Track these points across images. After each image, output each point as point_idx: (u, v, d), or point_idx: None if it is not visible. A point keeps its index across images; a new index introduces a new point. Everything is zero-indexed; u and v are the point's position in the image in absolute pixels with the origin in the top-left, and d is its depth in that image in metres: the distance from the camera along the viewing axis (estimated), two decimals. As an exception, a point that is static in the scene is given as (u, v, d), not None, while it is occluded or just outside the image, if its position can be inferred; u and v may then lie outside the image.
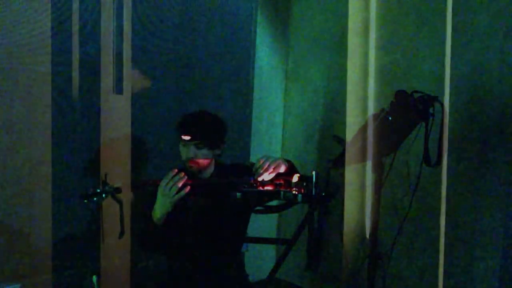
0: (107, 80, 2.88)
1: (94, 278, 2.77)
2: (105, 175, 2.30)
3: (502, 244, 2.68)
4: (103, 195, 2.24)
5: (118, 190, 2.29)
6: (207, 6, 3.34)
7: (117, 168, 2.82)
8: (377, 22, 3.19)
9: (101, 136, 2.85)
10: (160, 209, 2.27)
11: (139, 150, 3.06)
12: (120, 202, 2.28)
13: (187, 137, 2.35)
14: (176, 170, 2.27)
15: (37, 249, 2.70)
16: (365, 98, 3.19)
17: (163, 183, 2.25)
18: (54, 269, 2.76)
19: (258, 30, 3.67)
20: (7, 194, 2.59)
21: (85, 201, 2.25)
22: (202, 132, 2.37)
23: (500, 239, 2.69)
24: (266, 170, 2.32)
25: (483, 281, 2.76)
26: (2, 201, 2.58)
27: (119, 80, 2.92)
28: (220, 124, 2.45)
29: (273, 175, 2.35)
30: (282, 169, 2.36)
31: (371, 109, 3.11)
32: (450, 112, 2.56)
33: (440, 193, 2.88)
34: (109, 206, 2.32)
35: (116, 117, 2.93)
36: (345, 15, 3.41)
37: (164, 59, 3.15)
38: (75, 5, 2.75)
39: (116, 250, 2.90)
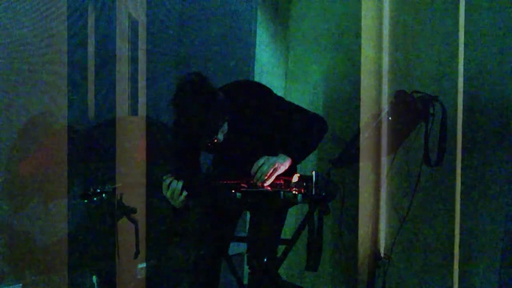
0: (122, 103, 2.89)
1: (94, 278, 2.77)
2: (121, 195, 2.29)
3: (502, 244, 2.68)
4: (103, 195, 2.25)
5: (133, 210, 2.28)
6: (207, 6, 3.34)
7: (132, 188, 2.82)
8: (381, 22, 3.19)
9: (116, 157, 2.85)
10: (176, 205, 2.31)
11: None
12: (135, 222, 2.28)
13: (216, 142, 2.29)
14: (169, 181, 2.27)
15: (38, 250, 2.70)
16: (378, 99, 3.18)
17: (164, 193, 2.27)
18: (55, 269, 2.76)
19: (258, 30, 3.67)
20: (12, 195, 2.60)
21: (85, 201, 2.25)
22: (216, 128, 2.25)
23: (500, 239, 2.69)
24: (266, 175, 2.31)
25: (483, 281, 2.76)
26: (4, 202, 2.58)
27: (134, 102, 2.92)
28: (212, 103, 2.22)
29: (273, 178, 2.34)
30: (281, 170, 2.35)
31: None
32: (450, 112, 2.56)
33: (440, 193, 2.88)
34: (124, 226, 2.33)
35: (131, 138, 2.93)
36: (345, 15, 3.41)
37: (164, 59, 3.15)
38: (90, 23, 2.76)
39: (131, 268, 2.91)
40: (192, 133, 2.24)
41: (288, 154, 2.35)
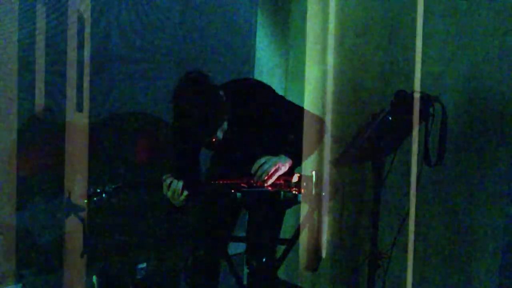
0: (71, 98, 2.86)
1: (94, 278, 2.77)
2: (69, 193, 2.28)
3: (502, 244, 2.68)
4: (104, 195, 2.25)
5: (81, 208, 2.27)
6: (207, 6, 3.34)
7: (78, 186, 2.78)
8: (377, 21, 3.19)
9: (65, 153, 2.82)
10: (176, 205, 2.30)
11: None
12: (83, 221, 2.27)
13: (215, 140, 2.29)
14: (169, 181, 2.27)
15: (38, 249, 2.70)
16: (364, 98, 3.18)
17: (165, 192, 2.26)
18: (55, 269, 2.76)
19: (258, 30, 3.67)
20: (8, 194, 2.60)
21: (85, 201, 2.25)
22: (216, 125, 2.25)
23: (500, 239, 2.69)
24: (267, 175, 2.30)
25: (483, 281, 2.76)
26: (3, 201, 2.58)
27: (79, 97, 2.89)
28: (213, 100, 2.23)
29: (274, 178, 2.33)
30: (282, 171, 2.34)
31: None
32: (450, 112, 2.56)
33: (440, 193, 2.88)
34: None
35: (78, 135, 2.90)
36: (345, 15, 3.41)
37: (163, 59, 3.15)
38: (41, 24, 2.73)
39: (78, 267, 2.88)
40: (191, 130, 2.24)
41: (289, 156, 2.35)
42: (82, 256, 2.34)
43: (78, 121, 2.83)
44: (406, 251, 3.01)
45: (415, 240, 3.01)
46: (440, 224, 2.90)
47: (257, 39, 3.67)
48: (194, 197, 2.33)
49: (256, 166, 2.30)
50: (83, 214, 2.27)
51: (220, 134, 2.29)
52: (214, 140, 2.28)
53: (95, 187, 2.26)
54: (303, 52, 3.75)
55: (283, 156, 2.34)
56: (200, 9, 3.30)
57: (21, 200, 2.65)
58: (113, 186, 2.27)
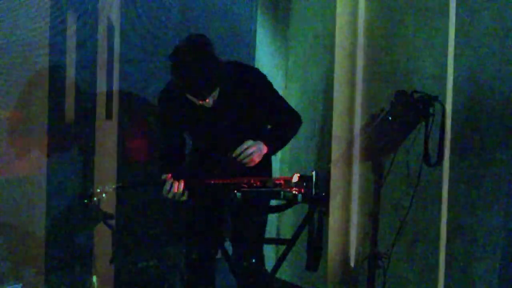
0: (101, 106, 2.89)
1: (94, 278, 2.77)
2: (98, 200, 2.28)
3: (502, 244, 2.68)
4: (103, 195, 2.25)
5: (110, 216, 2.28)
6: (207, 5, 3.34)
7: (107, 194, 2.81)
8: (376, 21, 3.19)
9: (95, 159, 2.85)
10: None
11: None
12: (112, 228, 2.27)
13: (207, 101, 2.29)
14: (170, 182, 2.27)
15: (38, 249, 2.71)
16: (377, 98, 3.18)
17: (165, 193, 2.27)
18: (54, 269, 2.76)
19: (258, 30, 3.67)
20: (7, 194, 2.60)
21: (85, 201, 2.26)
22: (213, 83, 2.27)
23: (500, 239, 2.69)
24: (250, 159, 2.33)
25: (483, 281, 2.76)
26: (3, 201, 2.58)
27: (108, 105, 2.92)
28: (213, 58, 2.27)
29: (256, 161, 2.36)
30: (260, 157, 2.38)
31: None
32: (450, 112, 2.56)
33: (440, 193, 2.88)
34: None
35: (107, 142, 2.92)
36: (344, 15, 3.41)
37: (163, 59, 3.15)
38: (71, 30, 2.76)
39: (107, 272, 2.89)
40: (187, 84, 2.24)
41: (266, 144, 2.39)
42: (111, 262, 2.35)
43: (106, 124, 2.86)
44: (406, 251, 3.02)
45: (414, 240, 3.01)
46: (440, 224, 2.90)
47: (257, 39, 3.68)
48: (195, 197, 2.34)
49: (240, 149, 2.33)
50: (112, 222, 2.28)
51: (210, 101, 2.30)
52: (207, 100, 2.28)
53: (95, 187, 2.27)
54: (303, 52, 3.75)
55: (261, 143, 2.38)
56: (200, 9, 3.31)
57: (21, 200, 2.65)
58: (113, 186, 2.27)
